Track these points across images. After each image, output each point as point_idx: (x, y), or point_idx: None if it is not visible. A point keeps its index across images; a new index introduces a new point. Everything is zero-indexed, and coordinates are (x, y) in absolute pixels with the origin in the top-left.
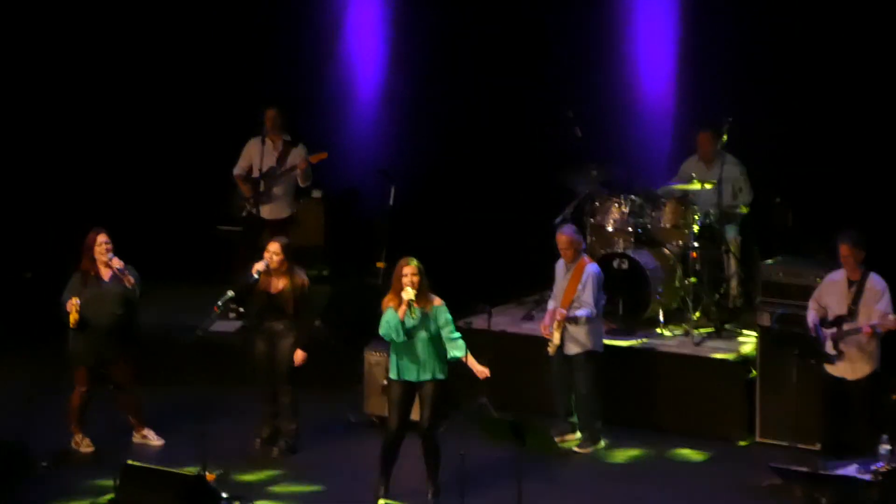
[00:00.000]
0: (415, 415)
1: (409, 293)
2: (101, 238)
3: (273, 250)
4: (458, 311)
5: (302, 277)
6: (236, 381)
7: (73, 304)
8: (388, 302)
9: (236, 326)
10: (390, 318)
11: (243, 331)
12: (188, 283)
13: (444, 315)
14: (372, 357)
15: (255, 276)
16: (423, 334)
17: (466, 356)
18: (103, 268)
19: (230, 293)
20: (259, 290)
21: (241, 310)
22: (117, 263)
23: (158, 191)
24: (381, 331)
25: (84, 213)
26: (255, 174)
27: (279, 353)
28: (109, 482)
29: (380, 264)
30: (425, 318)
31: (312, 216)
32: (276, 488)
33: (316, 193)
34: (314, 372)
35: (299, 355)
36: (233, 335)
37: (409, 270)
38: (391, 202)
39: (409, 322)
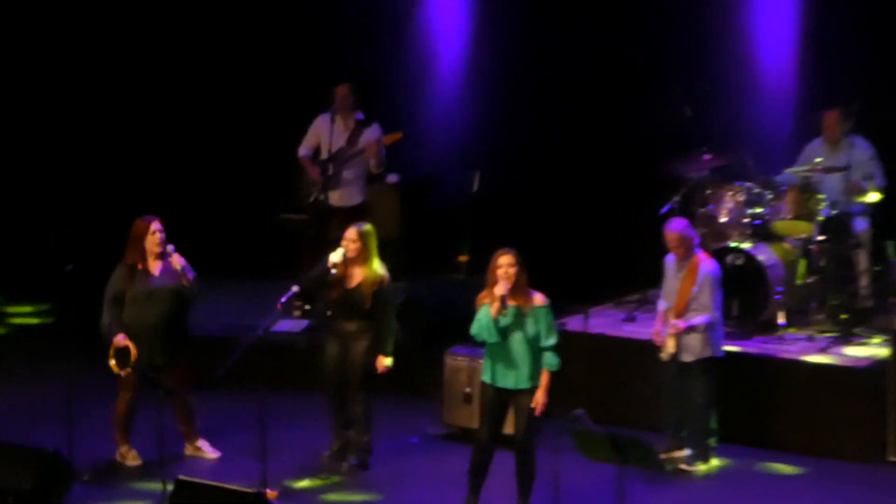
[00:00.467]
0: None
1: (500, 288)
2: (155, 226)
3: (350, 237)
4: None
5: (382, 271)
6: (302, 387)
7: (131, 346)
8: (484, 298)
9: (303, 326)
10: (482, 317)
11: (311, 331)
12: (247, 277)
13: (545, 318)
14: (453, 362)
15: (330, 267)
16: (519, 336)
17: (543, 374)
18: (153, 261)
19: (295, 288)
20: (332, 284)
21: (308, 307)
22: (179, 261)
23: (214, 176)
24: (473, 330)
25: (132, 201)
26: (324, 156)
27: (352, 356)
28: (158, 500)
29: (462, 258)
30: (522, 318)
31: (387, 204)
32: (332, 496)
33: (391, 179)
34: (388, 378)
35: (382, 362)
36: (299, 336)
37: (505, 261)
38: (475, 189)
39: (503, 321)
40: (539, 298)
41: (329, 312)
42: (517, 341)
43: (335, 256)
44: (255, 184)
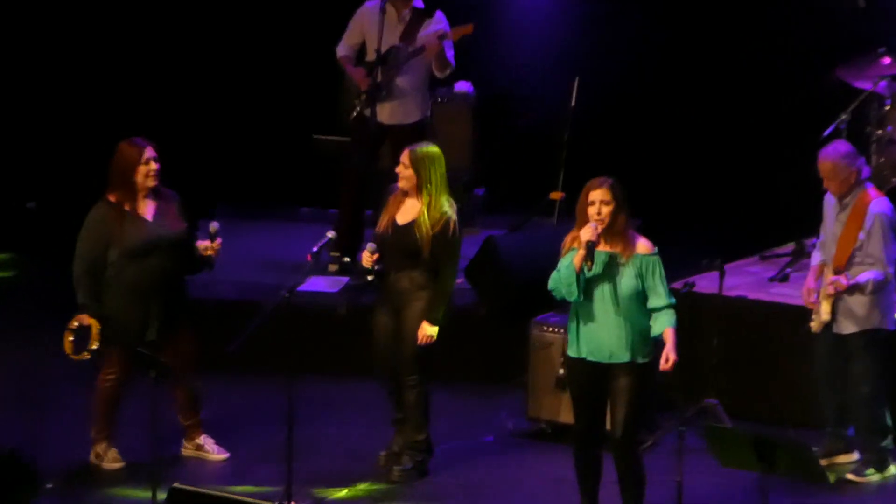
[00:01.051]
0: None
1: (587, 231)
2: (148, 154)
3: (404, 162)
4: (675, 268)
5: (448, 209)
6: (340, 367)
7: (94, 326)
8: (570, 242)
9: (342, 285)
10: (563, 266)
11: (353, 291)
12: (269, 220)
13: (654, 268)
14: (542, 334)
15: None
16: (612, 293)
17: (667, 331)
18: (144, 200)
19: (331, 234)
20: (380, 226)
21: (349, 259)
22: (215, 230)
23: (224, 86)
24: (550, 284)
25: (116, 118)
26: (371, 56)
27: (405, 324)
28: None
29: (555, 195)
30: (618, 269)
31: (455, 123)
32: None
33: (461, 88)
34: (455, 356)
35: (424, 330)
36: (336, 298)
37: (598, 196)
38: (572, 104)
39: (590, 273)
40: (644, 245)
41: (375, 265)
42: (610, 300)
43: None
44: (279, 95)
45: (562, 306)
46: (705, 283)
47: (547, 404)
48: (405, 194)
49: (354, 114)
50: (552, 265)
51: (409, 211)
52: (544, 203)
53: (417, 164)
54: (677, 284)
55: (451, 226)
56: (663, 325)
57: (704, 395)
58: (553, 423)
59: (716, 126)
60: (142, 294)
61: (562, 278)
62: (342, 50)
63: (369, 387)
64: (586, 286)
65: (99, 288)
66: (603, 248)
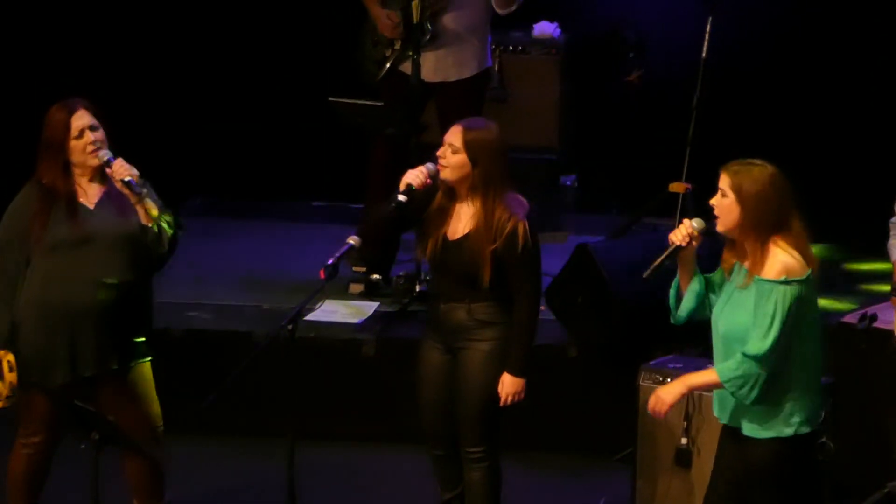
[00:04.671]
0: None
1: (682, 230)
2: (82, 118)
3: (456, 143)
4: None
5: (517, 210)
6: (364, 427)
7: (4, 357)
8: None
9: (369, 312)
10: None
11: (383, 321)
12: (266, 218)
13: (769, 302)
14: (652, 386)
15: (401, 199)
16: (736, 325)
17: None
18: (86, 181)
19: (354, 241)
20: (423, 229)
21: (378, 277)
22: (122, 171)
23: (202, 30)
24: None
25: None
26: None
27: (465, 376)
28: None
29: (677, 187)
30: (744, 295)
31: (534, 81)
32: None
33: (542, 31)
34: (533, 416)
35: (506, 385)
36: (360, 331)
37: (721, 182)
38: (704, 55)
39: (722, 293)
40: (778, 267)
41: (419, 286)
42: (733, 338)
43: (416, 177)
44: (278, 44)
45: (691, 343)
46: (891, 316)
47: (663, 488)
48: (450, 194)
49: (385, 69)
50: (667, 282)
51: (461, 219)
52: (662, 197)
53: (476, 148)
54: (852, 317)
55: (522, 233)
56: (721, 371)
57: (891, 475)
58: None
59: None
60: (76, 313)
61: (669, 299)
62: None
63: (405, 457)
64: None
65: (11, 303)
66: (735, 261)
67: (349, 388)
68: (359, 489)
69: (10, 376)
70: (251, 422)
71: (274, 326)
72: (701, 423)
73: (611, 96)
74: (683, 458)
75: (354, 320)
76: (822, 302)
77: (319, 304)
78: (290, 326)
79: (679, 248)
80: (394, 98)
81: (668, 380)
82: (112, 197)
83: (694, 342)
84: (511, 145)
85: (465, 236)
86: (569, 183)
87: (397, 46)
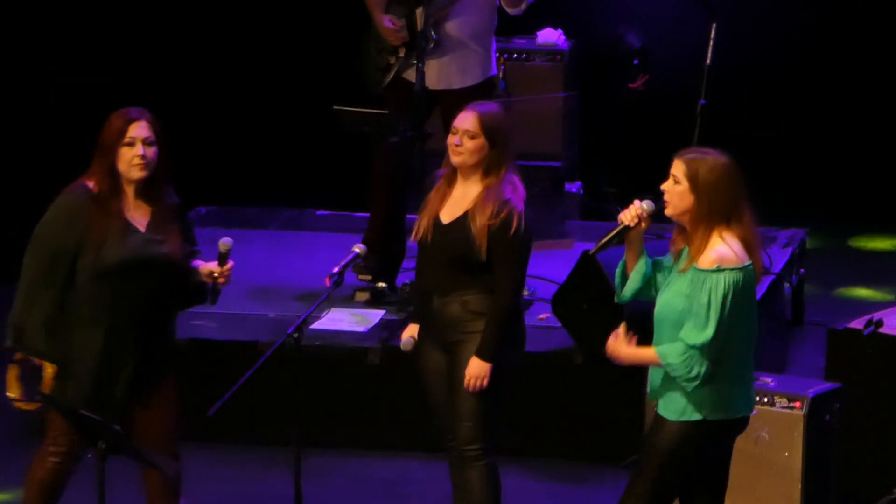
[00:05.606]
0: None
1: (628, 213)
2: (140, 129)
3: (473, 129)
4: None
5: (514, 196)
6: (372, 436)
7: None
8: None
9: (374, 321)
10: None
11: (389, 330)
12: (271, 227)
13: (701, 289)
14: None
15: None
16: (670, 309)
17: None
18: (134, 198)
19: (360, 249)
20: (417, 230)
21: (385, 284)
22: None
23: (206, 41)
24: None
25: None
26: None
27: (458, 371)
28: None
29: None
30: (681, 282)
31: (539, 88)
32: None
33: (546, 38)
34: (538, 423)
35: (476, 367)
36: (367, 340)
37: (673, 169)
38: (708, 62)
39: (662, 275)
40: (715, 255)
41: (419, 283)
42: (664, 320)
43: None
44: (282, 53)
45: None
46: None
47: None
48: (451, 180)
49: (389, 77)
50: None
51: (459, 202)
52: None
53: (494, 130)
54: (859, 322)
55: (516, 219)
56: (662, 352)
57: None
58: None
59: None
60: (116, 332)
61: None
62: None
63: (412, 465)
64: (637, 292)
65: (58, 310)
66: (680, 248)
67: (355, 396)
68: (366, 497)
69: (49, 380)
70: (257, 430)
71: (280, 335)
72: None
73: (615, 103)
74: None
75: (360, 328)
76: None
77: (325, 312)
78: (295, 335)
79: (627, 227)
80: (398, 106)
81: None
82: (157, 219)
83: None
84: (515, 153)
85: (464, 215)
86: (574, 190)
87: (402, 54)
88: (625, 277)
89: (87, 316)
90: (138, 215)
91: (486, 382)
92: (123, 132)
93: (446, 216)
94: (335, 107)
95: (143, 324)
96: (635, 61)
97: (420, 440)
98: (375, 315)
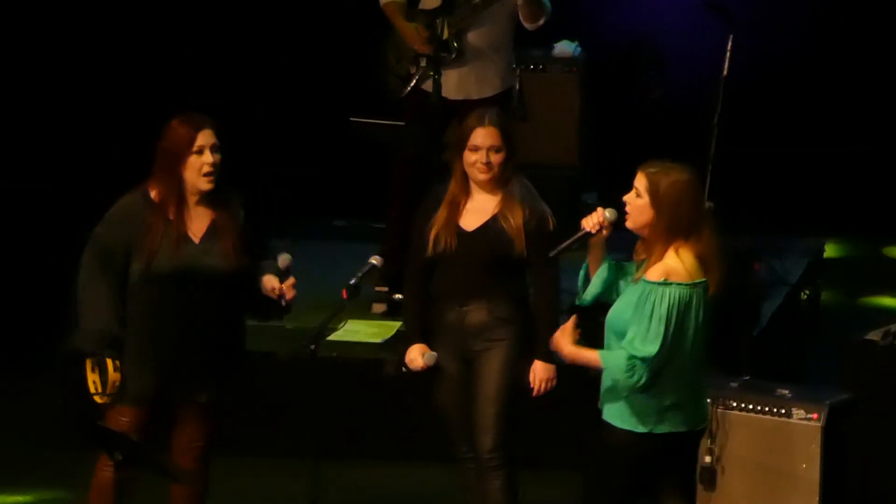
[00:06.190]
0: None
1: (590, 220)
2: (208, 137)
3: (493, 142)
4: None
5: (541, 202)
6: (388, 446)
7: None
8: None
9: (390, 331)
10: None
11: (405, 341)
12: (287, 236)
13: (647, 303)
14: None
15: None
16: (610, 315)
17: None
18: (195, 205)
19: (376, 260)
20: (430, 242)
21: (400, 296)
22: (285, 265)
23: (224, 52)
24: None
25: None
26: (430, 3)
27: (483, 378)
28: None
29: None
30: (628, 287)
31: (555, 99)
32: None
33: (562, 50)
34: (559, 434)
35: (542, 370)
36: (383, 350)
37: (636, 182)
38: (725, 73)
39: (597, 283)
40: (662, 269)
41: (438, 293)
42: (611, 328)
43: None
44: (298, 63)
45: (715, 364)
46: None
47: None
48: (462, 192)
49: (409, 88)
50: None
51: (480, 210)
52: None
53: (510, 139)
54: (876, 334)
55: (550, 218)
56: (606, 359)
57: None
58: None
59: None
60: (162, 338)
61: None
62: None
63: (428, 476)
64: (597, 297)
65: (117, 310)
66: (642, 257)
67: (372, 407)
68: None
69: (115, 375)
70: (275, 441)
71: (296, 346)
72: (724, 441)
73: (631, 113)
74: (707, 477)
75: (377, 340)
76: None
77: (342, 323)
78: (312, 346)
79: (589, 234)
80: (416, 116)
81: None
82: (217, 229)
83: (716, 361)
84: (531, 163)
85: (492, 219)
86: (590, 200)
87: (422, 64)
88: (587, 281)
89: (138, 319)
90: (196, 224)
91: (554, 383)
92: (192, 140)
93: (469, 224)
94: (352, 118)
95: (193, 332)
96: (651, 72)
97: (438, 451)
98: (392, 326)
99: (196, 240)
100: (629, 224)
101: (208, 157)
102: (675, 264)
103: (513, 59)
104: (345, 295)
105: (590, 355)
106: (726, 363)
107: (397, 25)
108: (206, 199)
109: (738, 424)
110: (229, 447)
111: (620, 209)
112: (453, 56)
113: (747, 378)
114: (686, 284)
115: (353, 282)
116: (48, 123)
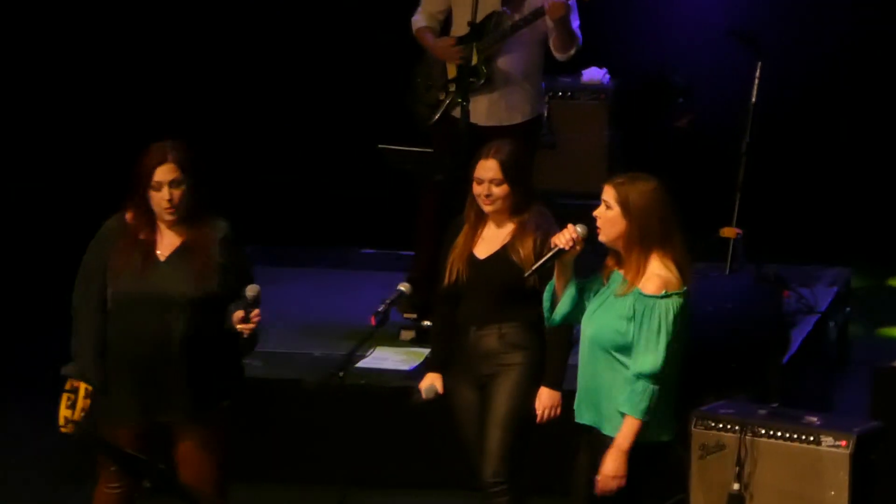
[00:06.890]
0: None
1: (563, 237)
2: (166, 173)
3: (495, 176)
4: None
5: (554, 232)
6: (416, 474)
7: (81, 387)
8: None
9: (418, 358)
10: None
11: (431, 368)
12: (316, 266)
13: (650, 316)
14: (706, 434)
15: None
16: (607, 333)
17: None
18: (167, 228)
19: (405, 288)
20: (454, 265)
21: (428, 323)
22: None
23: (258, 77)
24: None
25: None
26: (459, 31)
27: (493, 404)
28: None
29: (728, 232)
30: (620, 304)
31: (584, 126)
32: None
33: (591, 77)
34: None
35: (547, 397)
36: (411, 378)
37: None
38: (753, 100)
39: (592, 297)
40: (658, 280)
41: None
42: (601, 343)
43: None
44: (331, 91)
45: (743, 389)
46: None
47: None
48: (479, 222)
49: (438, 115)
50: (719, 329)
51: (493, 240)
52: (712, 242)
53: (513, 171)
54: None
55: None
56: (623, 402)
57: None
58: None
59: None
60: (130, 360)
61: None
62: (421, 20)
63: (454, 502)
64: (567, 316)
65: (94, 333)
66: (613, 270)
67: (400, 435)
68: None
69: (84, 402)
70: (302, 469)
71: (325, 374)
72: (753, 468)
73: (660, 141)
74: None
75: (405, 367)
76: None
77: (370, 350)
78: (340, 373)
79: (562, 250)
80: (445, 143)
81: (721, 425)
82: (187, 251)
83: (745, 388)
84: (559, 190)
85: (503, 248)
86: None
87: (451, 90)
88: (554, 301)
89: (113, 339)
90: (165, 245)
91: (558, 412)
92: (150, 175)
93: (482, 252)
94: (380, 145)
95: (162, 352)
96: (680, 99)
97: (465, 480)
98: (421, 353)
99: (163, 259)
100: (602, 238)
101: (165, 194)
102: (668, 275)
103: (543, 85)
104: (373, 322)
105: (629, 431)
106: (755, 390)
107: (428, 47)
108: (180, 221)
109: (767, 452)
110: (257, 474)
111: (591, 224)
112: (482, 82)
113: (776, 405)
114: (681, 293)
115: (381, 309)
116: (48, 123)
